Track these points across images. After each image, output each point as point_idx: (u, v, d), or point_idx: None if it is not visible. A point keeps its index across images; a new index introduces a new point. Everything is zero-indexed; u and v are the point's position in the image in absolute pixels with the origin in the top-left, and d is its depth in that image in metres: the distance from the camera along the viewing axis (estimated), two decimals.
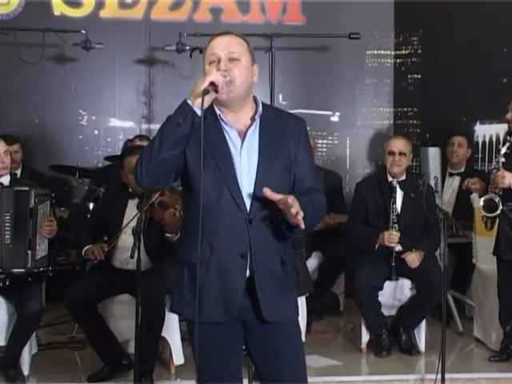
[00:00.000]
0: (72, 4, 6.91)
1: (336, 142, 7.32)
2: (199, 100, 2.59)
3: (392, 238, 5.06)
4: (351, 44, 6.45)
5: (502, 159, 4.83)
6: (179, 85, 6.94)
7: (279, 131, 2.79)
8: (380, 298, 5.12)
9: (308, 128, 2.90)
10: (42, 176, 6.00)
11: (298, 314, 2.89)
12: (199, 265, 2.66)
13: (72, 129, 7.00)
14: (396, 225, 5.10)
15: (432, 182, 6.18)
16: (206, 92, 2.59)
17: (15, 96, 6.82)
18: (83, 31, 6.24)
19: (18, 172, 5.71)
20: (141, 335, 3.97)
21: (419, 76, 7.35)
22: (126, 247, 4.53)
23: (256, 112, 2.78)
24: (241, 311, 2.74)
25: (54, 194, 4.62)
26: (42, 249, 4.53)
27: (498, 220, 4.88)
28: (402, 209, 5.20)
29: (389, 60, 7.37)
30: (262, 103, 2.82)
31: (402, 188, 5.23)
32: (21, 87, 6.82)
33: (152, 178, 2.68)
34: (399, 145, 5.30)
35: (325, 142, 7.25)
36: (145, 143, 6.20)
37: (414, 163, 6.77)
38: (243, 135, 2.75)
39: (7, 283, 4.49)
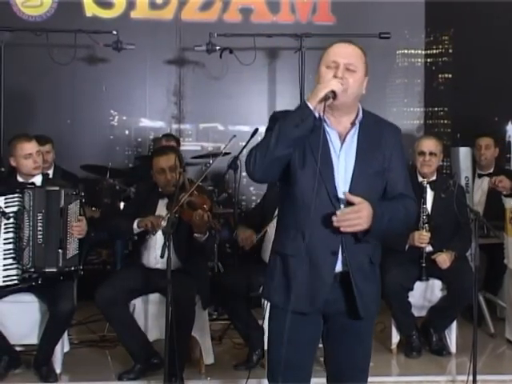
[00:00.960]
0: (103, 5, 6.97)
1: None
2: (320, 105, 2.71)
3: (422, 238, 5.03)
4: (381, 44, 6.42)
5: None
6: (209, 85, 6.98)
7: (376, 137, 2.89)
8: (410, 299, 5.09)
9: None
10: (74, 176, 6.03)
11: (377, 314, 3.00)
12: (292, 256, 2.81)
13: (103, 129, 7.05)
14: (426, 225, 5.06)
15: (463, 182, 6.12)
16: (326, 98, 2.72)
17: (47, 96, 6.89)
18: (114, 32, 6.29)
19: (50, 172, 5.74)
20: (171, 334, 3.98)
21: (450, 75, 7.30)
22: (157, 246, 4.56)
23: (356, 117, 2.87)
24: (326, 303, 2.83)
25: (83, 194, 4.64)
26: (72, 248, 4.55)
27: None
28: (432, 209, 5.16)
29: (419, 60, 7.32)
30: (363, 110, 2.91)
31: (432, 188, 5.20)
32: (53, 88, 6.88)
33: (264, 172, 2.78)
34: (430, 145, 5.27)
35: None
36: (171, 142, 6.22)
37: (445, 163, 6.72)
38: (343, 138, 2.85)
39: (39, 282, 4.53)
